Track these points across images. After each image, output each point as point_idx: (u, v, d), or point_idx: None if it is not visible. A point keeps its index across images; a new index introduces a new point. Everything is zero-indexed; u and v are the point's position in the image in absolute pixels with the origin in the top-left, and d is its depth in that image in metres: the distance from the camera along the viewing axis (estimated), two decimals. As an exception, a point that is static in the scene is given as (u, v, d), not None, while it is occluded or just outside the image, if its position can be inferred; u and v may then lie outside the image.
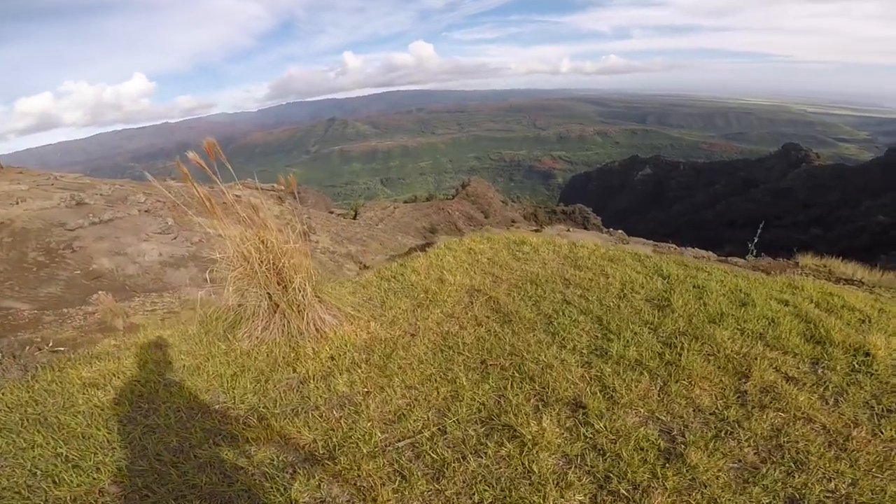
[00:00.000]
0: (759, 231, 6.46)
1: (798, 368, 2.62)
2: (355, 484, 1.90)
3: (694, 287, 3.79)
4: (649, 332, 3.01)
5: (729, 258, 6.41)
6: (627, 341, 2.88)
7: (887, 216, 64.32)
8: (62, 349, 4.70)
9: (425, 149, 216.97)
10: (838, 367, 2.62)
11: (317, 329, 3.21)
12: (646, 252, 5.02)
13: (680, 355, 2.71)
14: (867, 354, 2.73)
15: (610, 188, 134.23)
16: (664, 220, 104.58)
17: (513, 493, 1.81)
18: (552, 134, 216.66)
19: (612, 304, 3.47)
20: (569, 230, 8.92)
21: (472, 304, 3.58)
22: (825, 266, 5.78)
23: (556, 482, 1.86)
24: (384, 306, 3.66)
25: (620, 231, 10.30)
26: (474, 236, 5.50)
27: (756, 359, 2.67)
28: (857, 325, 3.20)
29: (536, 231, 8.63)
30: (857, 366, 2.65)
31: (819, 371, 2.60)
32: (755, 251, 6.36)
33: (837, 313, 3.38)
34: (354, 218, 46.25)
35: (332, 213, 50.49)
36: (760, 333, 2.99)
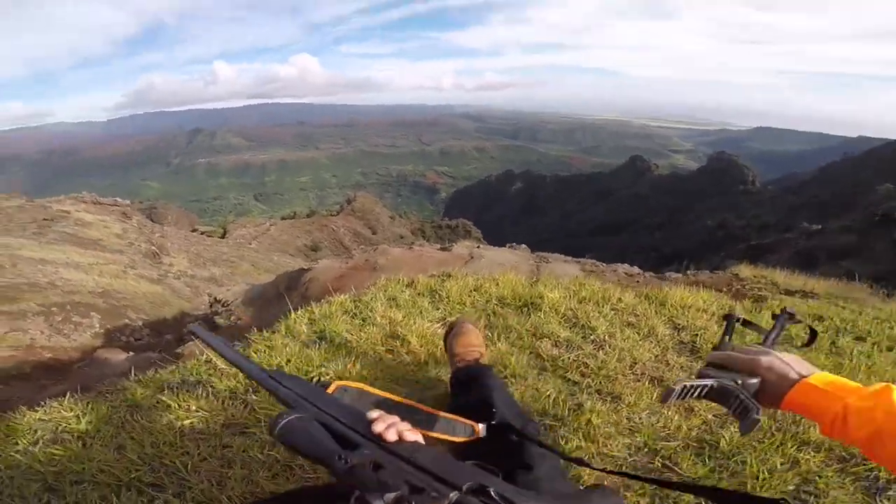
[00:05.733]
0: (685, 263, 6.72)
1: None
2: None
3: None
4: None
5: (667, 275, 6.49)
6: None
7: (712, 220, 77.86)
8: None
9: (306, 163, 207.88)
10: None
11: None
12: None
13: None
14: None
15: (488, 201, 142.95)
16: (538, 230, 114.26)
17: None
18: (436, 149, 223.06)
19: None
20: (478, 246, 8.48)
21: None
22: (764, 277, 6.00)
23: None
24: None
25: (527, 248, 9.12)
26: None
27: None
28: None
29: (444, 250, 7.99)
30: None
31: None
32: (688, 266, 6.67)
33: None
34: (223, 237, 41.83)
35: (195, 230, 45.12)
36: None
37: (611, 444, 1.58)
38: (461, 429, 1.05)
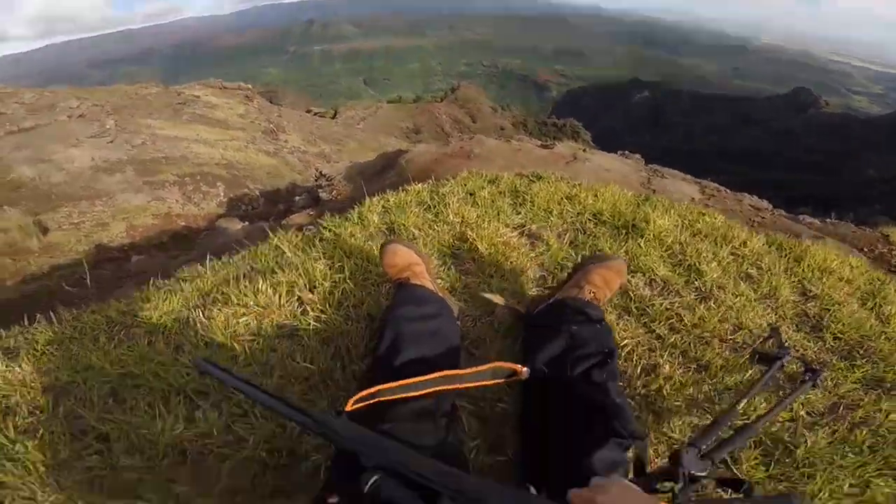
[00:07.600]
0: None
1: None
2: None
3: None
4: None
5: (800, 217, 5.53)
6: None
7: (875, 171, 63.84)
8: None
9: (413, 51, 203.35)
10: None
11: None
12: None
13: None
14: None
15: (605, 107, 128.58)
16: (656, 145, 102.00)
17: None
18: (550, 47, 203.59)
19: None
20: (584, 150, 7.82)
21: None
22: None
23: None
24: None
25: (641, 159, 8.30)
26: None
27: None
28: None
29: (545, 147, 7.53)
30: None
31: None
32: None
33: None
34: (334, 117, 43.72)
35: (309, 111, 47.57)
36: None
37: (673, 422, 1.35)
38: (501, 372, 1.14)
